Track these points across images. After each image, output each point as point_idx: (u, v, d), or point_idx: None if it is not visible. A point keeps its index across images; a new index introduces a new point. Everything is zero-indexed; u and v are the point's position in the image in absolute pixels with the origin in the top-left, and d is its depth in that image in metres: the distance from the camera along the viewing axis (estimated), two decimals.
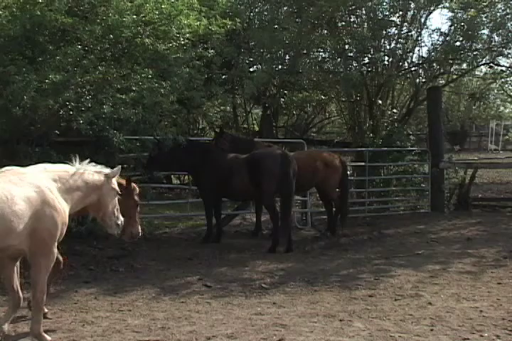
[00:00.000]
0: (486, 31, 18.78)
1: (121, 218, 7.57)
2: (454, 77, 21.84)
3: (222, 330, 7.66)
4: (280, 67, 19.15)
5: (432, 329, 7.67)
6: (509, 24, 18.59)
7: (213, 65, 15.63)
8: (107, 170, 7.48)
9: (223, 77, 18.94)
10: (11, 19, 11.69)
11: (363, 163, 17.09)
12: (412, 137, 19.86)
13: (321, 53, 19.99)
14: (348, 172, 15.94)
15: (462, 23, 18.30)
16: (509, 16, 18.58)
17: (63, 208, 6.83)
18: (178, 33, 12.96)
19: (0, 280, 7.37)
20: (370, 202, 17.64)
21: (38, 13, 11.60)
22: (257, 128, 22.72)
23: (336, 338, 7.35)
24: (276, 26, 17.93)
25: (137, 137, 12.88)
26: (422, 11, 19.06)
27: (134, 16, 12.36)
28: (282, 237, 12.54)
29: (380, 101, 19.09)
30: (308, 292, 9.55)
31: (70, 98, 11.18)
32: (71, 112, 11.32)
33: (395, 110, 19.84)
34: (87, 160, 7.45)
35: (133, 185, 8.55)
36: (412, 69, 20.44)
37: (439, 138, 18.44)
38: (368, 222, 16.22)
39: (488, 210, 17.49)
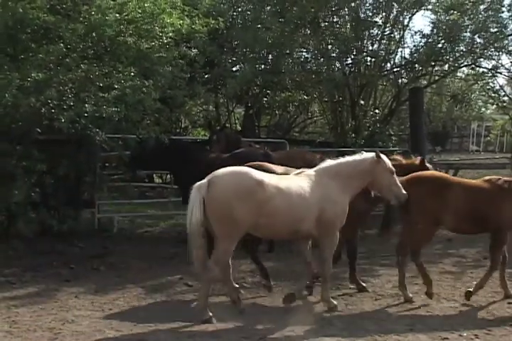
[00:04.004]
0: (468, 33, 18.90)
1: (403, 192, 8.47)
2: (436, 78, 21.95)
3: (203, 329, 7.66)
4: (263, 66, 19.15)
5: (411, 329, 7.72)
6: (491, 26, 18.72)
7: (196, 63, 15.60)
8: (375, 155, 8.48)
9: (206, 76, 18.91)
10: None
11: None
12: (393, 137, 19.92)
13: (303, 53, 20.02)
14: None
15: (444, 26, 18.41)
16: (491, 19, 18.70)
17: (342, 201, 8.36)
18: (161, 32, 12.95)
19: None
20: None
21: (20, 10, 11.57)
22: (239, 128, 22.71)
23: (316, 337, 7.37)
24: (259, 26, 17.91)
25: (120, 136, 12.86)
26: (404, 13, 19.15)
27: (117, 15, 12.34)
28: None
29: (362, 102, 19.15)
30: (289, 291, 9.56)
31: (52, 96, 11.14)
32: (53, 110, 11.28)
33: (377, 110, 19.89)
34: (362, 152, 8.74)
35: None
36: (395, 70, 20.52)
37: (421, 138, 18.50)
38: None
39: None
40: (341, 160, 8.68)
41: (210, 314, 7.87)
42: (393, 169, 8.56)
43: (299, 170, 8.70)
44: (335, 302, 8.59)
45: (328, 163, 8.65)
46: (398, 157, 10.23)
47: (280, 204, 7.92)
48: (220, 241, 7.89)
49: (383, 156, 8.56)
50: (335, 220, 8.34)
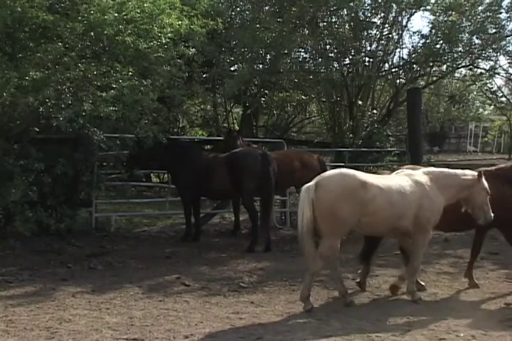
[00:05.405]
0: (466, 34, 18.93)
1: (491, 213, 8.97)
2: (434, 78, 21.97)
3: (200, 329, 7.66)
4: (261, 66, 19.18)
5: (408, 330, 7.71)
6: (489, 27, 18.76)
7: (194, 63, 15.60)
8: (476, 173, 9.09)
9: (204, 75, 18.92)
10: None
11: (342, 164, 17.10)
12: (391, 138, 19.94)
13: (302, 53, 20.06)
14: None
15: (443, 27, 18.44)
16: (489, 20, 18.74)
17: (439, 201, 8.89)
18: (160, 32, 12.92)
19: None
20: None
21: (19, 9, 11.53)
22: (237, 128, 22.72)
23: (313, 337, 7.37)
24: (257, 26, 17.94)
25: (117, 135, 12.86)
26: (403, 13, 19.18)
27: (116, 14, 12.31)
28: (261, 237, 12.54)
29: (360, 102, 19.17)
30: (286, 291, 9.58)
31: (49, 95, 11.11)
32: (51, 109, 11.27)
33: (375, 111, 19.92)
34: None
35: None
36: (393, 70, 20.56)
37: (419, 139, 18.51)
38: None
39: None
40: (445, 169, 9.44)
41: (312, 305, 8.52)
42: (489, 191, 9.03)
43: (399, 170, 9.52)
44: (419, 295, 9.02)
45: (432, 168, 9.49)
46: None
47: (382, 203, 8.50)
48: (326, 238, 8.46)
49: (482, 178, 9.07)
50: (430, 218, 8.85)
